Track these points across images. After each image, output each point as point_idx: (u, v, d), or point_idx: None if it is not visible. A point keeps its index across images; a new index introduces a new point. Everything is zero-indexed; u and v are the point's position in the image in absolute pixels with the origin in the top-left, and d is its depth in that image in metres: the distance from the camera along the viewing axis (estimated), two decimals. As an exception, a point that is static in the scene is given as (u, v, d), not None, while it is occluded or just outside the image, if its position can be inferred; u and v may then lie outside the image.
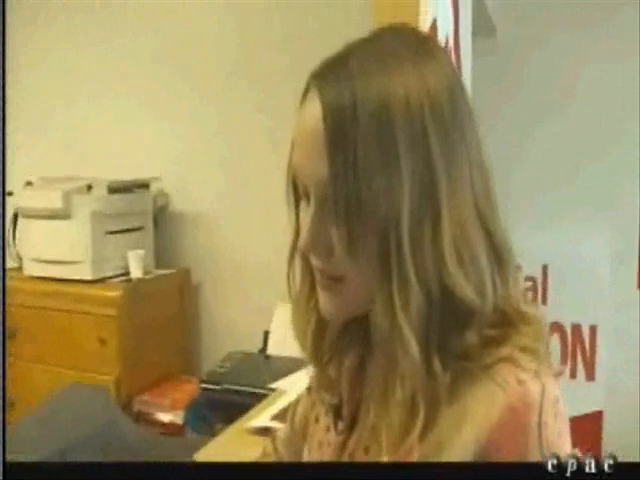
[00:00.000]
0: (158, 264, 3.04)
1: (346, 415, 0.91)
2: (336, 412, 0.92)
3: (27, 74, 3.32)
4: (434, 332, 0.77)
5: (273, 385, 2.21)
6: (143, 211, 3.00)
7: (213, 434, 2.28)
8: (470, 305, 0.77)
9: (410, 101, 0.75)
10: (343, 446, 0.90)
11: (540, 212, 2.29)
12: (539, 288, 2.36)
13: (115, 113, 3.18)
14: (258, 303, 2.88)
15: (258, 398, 2.12)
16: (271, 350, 2.73)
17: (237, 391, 2.48)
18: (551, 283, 2.36)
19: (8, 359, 2.87)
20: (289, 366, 2.26)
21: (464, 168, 0.78)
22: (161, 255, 3.09)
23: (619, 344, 2.28)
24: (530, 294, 2.26)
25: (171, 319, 3.01)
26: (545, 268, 2.37)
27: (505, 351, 0.77)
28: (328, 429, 0.94)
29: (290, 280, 0.90)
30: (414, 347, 0.76)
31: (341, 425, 0.91)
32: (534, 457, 0.74)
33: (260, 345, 2.77)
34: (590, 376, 2.32)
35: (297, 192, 0.84)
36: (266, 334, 2.76)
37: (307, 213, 0.80)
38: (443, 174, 0.76)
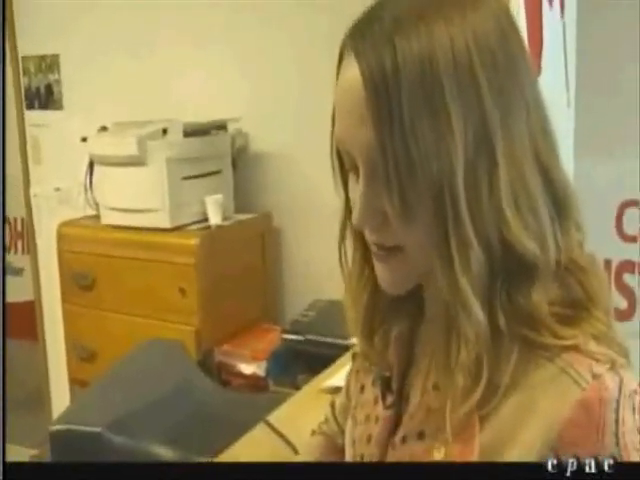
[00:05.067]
0: (238, 209, 3.09)
1: (395, 387, 0.94)
2: (386, 384, 0.95)
3: (105, 15, 3.42)
4: (498, 291, 0.79)
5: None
6: (221, 154, 3.04)
7: (296, 386, 2.43)
8: (532, 258, 0.79)
9: (455, 48, 0.75)
10: (392, 425, 0.92)
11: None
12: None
13: (190, 54, 3.23)
14: (346, 246, 2.95)
15: (343, 349, 2.16)
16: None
17: (321, 342, 2.57)
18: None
19: (87, 310, 3.09)
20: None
21: (520, 112, 0.79)
22: (241, 199, 3.13)
23: None
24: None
25: (253, 266, 3.08)
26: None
27: (576, 338, 0.78)
28: (376, 401, 0.97)
29: (342, 258, 0.93)
30: (479, 312, 0.78)
31: (390, 398, 0.94)
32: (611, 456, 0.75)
33: (347, 292, 2.85)
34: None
35: (343, 166, 0.87)
36: (354, 280, 2.83)
37: (357, 187, 0.82)
38: (497, 122, 0.77)
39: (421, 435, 0.87)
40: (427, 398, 0.88)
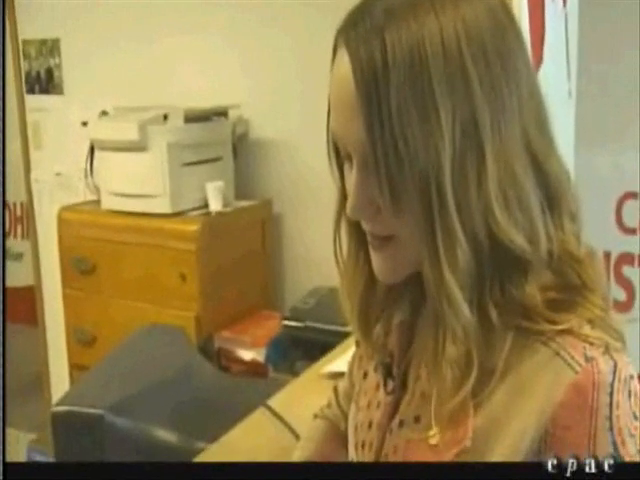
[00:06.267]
0: (238, 195, 3.10)
1: (396, 374, 0.94)
2: (387, 370, 0.96)
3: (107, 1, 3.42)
4: (489, 284, 0.80)
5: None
6: (221, 140, 3.05)
7: (294, 373, 2.44)
8: (521, 253, 0.79)
9: (444, 38, 0.75)
10: (393, 411, 0.93)
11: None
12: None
13: (191, 41, 3.24)
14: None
15: (343, 337, 2.15)
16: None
17: (321, 329, 2.60)
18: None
19: (87, 295, 3.09)
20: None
21: (513, 106, 0.79)
22: (241, 186, 3.14)
23: None
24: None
25: (253, 252, 3.10)
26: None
27: (571, 322, 0.78)
28: (378, 387, 0.97)
29: (337, 246, 0.94)
30: (464, 308, 0.79)
31: (391, 384, 0.94)
32: (604, 440, 0.75)
33: (348, 279, 2.85)
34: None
35: (339, 156, 0.87)
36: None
37: (351, 177, 0.83)
38: (487, 117, 0.77)
39: (417, 420, 0.88)
40: (423, 384, 0.89)
